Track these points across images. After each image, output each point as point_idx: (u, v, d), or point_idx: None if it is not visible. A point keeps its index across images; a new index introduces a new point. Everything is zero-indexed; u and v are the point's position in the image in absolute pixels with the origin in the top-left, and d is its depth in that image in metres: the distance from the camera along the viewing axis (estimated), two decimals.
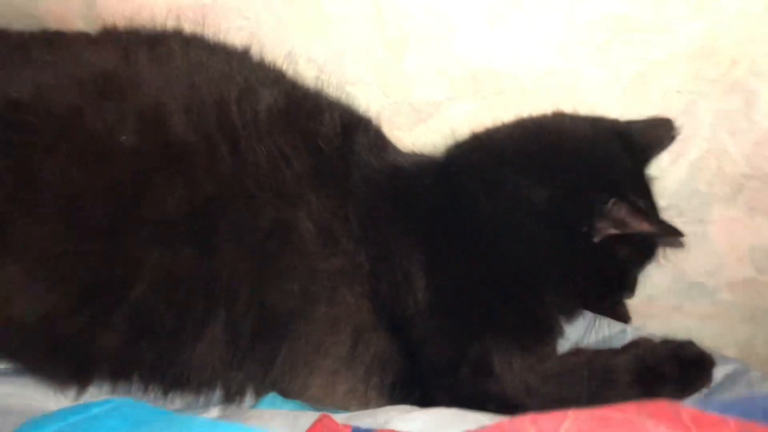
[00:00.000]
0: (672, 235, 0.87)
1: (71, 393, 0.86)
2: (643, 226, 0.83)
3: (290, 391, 0.87)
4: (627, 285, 0.95)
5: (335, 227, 0.85)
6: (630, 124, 0.95)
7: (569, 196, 0.87)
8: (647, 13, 0.92)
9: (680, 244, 0.96)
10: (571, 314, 0.97)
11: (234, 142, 0.84)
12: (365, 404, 0.87)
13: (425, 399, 0.85)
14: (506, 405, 0.83)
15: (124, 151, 0.81)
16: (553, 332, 0.92)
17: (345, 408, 0.87)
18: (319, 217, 0.85)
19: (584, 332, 1.03)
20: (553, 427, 0.53)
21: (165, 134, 0.82)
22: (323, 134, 0.89)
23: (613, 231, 0.85)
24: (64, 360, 0.83)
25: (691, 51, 0.93)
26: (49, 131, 0.80)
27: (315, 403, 0.88)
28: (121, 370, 0.85)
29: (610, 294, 0.96)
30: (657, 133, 0.96)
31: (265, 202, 0.83)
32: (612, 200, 0.83)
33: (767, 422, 0.56)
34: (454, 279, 0.88)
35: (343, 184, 0.88)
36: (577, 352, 0.93)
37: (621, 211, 0.83)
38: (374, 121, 1.00)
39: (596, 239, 0.86)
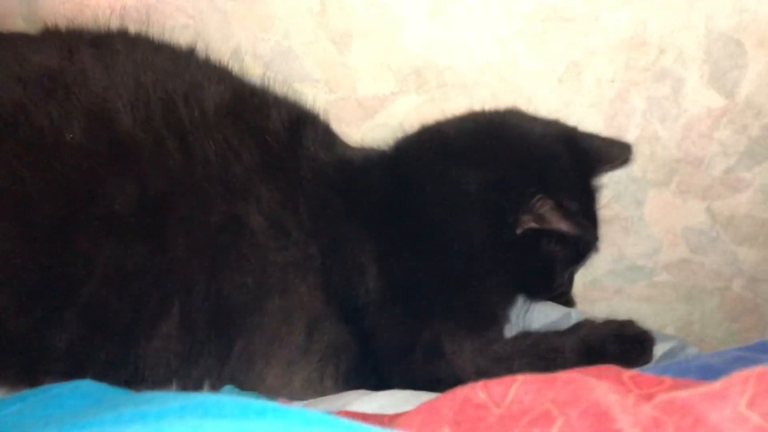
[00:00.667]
0: (588, 238, 0.92)
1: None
2: (561, 225, 0.87)
3: (246, 383, 0.87)
4: (553, 280, 0.97)
5: (286, 220, 0.86)
6: (588, 136, 0.99)
7: (501, 187, 0.90)
8: (579, 4, 0.96)
9: (595, 248, 0.99)
10: (510, 301, 0.99)
11: (182, 138, 0.84)
12: (321, 393, 0.88)
13: (381, 385, 0.86)
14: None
15: (72, 148, 0.80)
16: (498, 317, 0.94)
17: (302, 398, 0.88)
18: (270, 210, 0.86)
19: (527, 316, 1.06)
20: (503, 391, 0.55)
21: (112, 131, 0.82)
22: (270, 129, 0.90)
23: (533, 225, 0.89)
24: (13, 359, 0.81)
25: (621, 41, 0.98)
26: None
27: (271, 394, 0.88)
28: (73, 368, 0.82)
29: (539, 287, 0.99)
30: (611, 151, 0.99)
31: (215, 196, 0.84)
32: (538, 196, 0.87)
33: (700, 378, 0.59)
34: (403, 268, 0.89)
35: (293, 177, 0.89)
36: (524, 335, 0.96)
37: (544, 208, 0.87)
38: (322, 117, 1.01)
39: (518, 231, 0.89)
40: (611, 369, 0.59)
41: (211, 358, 0.85)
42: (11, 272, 0.78)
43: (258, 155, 0.87)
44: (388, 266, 0.89)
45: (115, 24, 0.98)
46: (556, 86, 1.03)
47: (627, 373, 0.59)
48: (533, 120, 0.99)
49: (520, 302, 1.04)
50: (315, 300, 0.87)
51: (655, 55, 0.98)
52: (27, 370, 0.83)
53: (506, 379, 0.56)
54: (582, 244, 0.95)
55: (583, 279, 1.21)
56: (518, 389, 0.55)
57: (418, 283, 0.90)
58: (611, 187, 1.11)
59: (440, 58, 1.04)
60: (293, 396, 0.88)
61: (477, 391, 0.56)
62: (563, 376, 0.54)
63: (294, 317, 0.86)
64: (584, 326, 0.95)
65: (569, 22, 0.98)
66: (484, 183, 0.90)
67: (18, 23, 1.09)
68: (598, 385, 0.52)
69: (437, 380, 0.86)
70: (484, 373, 0.88)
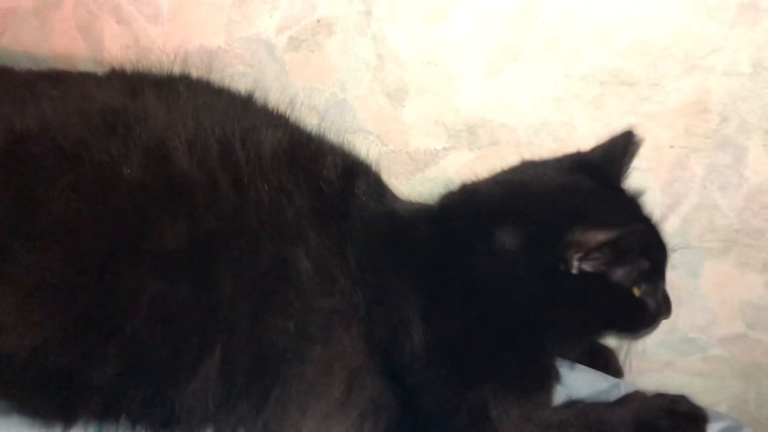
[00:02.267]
0: (634, 236, 0.86)
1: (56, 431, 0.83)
2: (599, 237, 0.83)
3: None
4: (645, 306, 0.92)
5: (333, 266, 0.85)
6: (592, 151, 0.96)
7: (540, 237, 0.87)
8: (640, 69, 0.95)
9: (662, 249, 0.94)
10: (576, 351, 0.97)
11: (237, 179, 0.84)
12: None
13: None
14: None
15: (128, 184, 0.81)
16: (550, 377, 0.91)
17: None
18: (318, 255, 0.84)
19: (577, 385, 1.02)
20: None
21: (168, 169, 0.82)
22: (325, 176, 0.89)
23: (581, 255, 0.85)
24: (52, 394, 0.80)
25: (682, 106, 0.96)
26: (53, 162, 0.80)
27: None
28: (110, 407, 0.82)
29: (635, 321, 0.94)
30: (617, 147, 0.96)
31: (265, 239, 0.83)
32: (574, 228, 0.84)
33: None
34: (450, 326, 0.87)
35: (342, 225, 0.88)
36: (573, 403, 0.92)
37: (583, 234, 0.84)
38: (374, 168, 1.01)
39: (574, 272, 0.86)
40: None
41: (249, 405, 0.83)
42: (59, 305, 0.78)
43: (310, 201, 0.86)
44: (434, 323, 0.86)
45: (176, 69, 1.00)
46: None
47: None
48: (544, 163, 0.97)
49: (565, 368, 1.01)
50: (357, 352, 0.84)
51: (716, 123, 0.96)
52: (63, 405, 0.82)
53: None
54: (645, 250, 0.89)
55: (631, 349, 1.17)
56: None
57: (465, 343, 0.87)
58: None
59: (494, 116, 1.03)
60: None
61: None
62: None
63: (334, 368, 0.83)
64: (635, 399, 0.92)
65: (629, 87, 0.97)
66: (523, 239, 0.87)
67: (84, 65, 1.12)
68: None
69: None
70: None
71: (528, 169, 0.97)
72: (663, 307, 0.93)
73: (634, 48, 0.95)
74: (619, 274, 0.88)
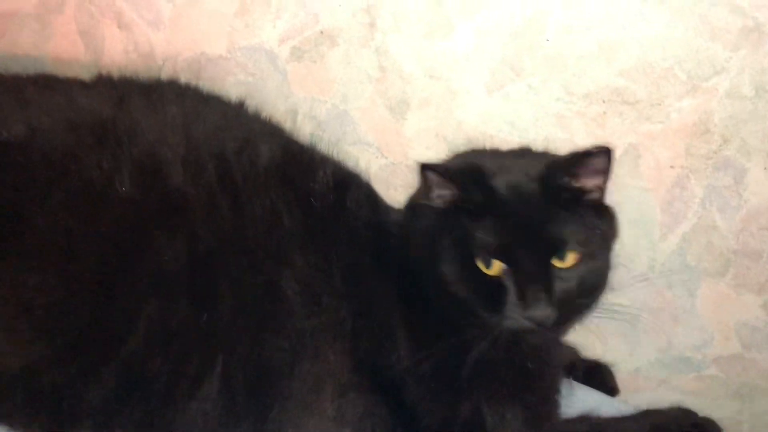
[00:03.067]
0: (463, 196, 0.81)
1: None
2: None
3: None
4: (486, 280, 0.81)
5: (318, 284, 0.84)
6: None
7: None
8: (642, 88, 0.95)
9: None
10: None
11: (234, 196, 0.83)
12: None
13: None
14: None
15: (121, 201, 0.79)
16: (541, 382, 0.88)
17: None
18: (304, 275, 0.83)
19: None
20: None
21: (163, 185, 0.80)
22: (316, 191, 0.88)
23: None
24: (44, 414, 0.79)
25: (683, 126, 0.97)
26: (42, 176, 0.78)
27: None
28: (103, 427, 0.79)
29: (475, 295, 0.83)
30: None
31: (262, 257, 0.82)
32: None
33: None
34: (431, 334, 0.84)
35: (331, 239, 0.87)
36: (585, 418, 0.92)
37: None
38: (365, 178, 0.99)
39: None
40: None
41: (248, 425, 0.82)
42: (52, 324, 0.76)
43: (300, 219, 0.85)
44: (417, 332, 0.84)
45: (175, 75, 0.98)
46: (614, 168, 1.01)
47: None
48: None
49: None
50: (344, 367, 0.83)
51: (717, 144, 0.96)
52: (55, 425, 0.80)
53: None
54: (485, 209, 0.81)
55: (627, 367, 1.17)
56: None
57: (447, 351, 0.83)
58: (663, 274, 1.07)
59: (495, 131, 1.03)
60: None
61: None
62: None
63: (323, 384, 0.83)
64: (652, 413, 0.93)
65: (630, 106, 0.97)
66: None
67: (83, 70, 1.12)
68: None
69: None
70: None
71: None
72: (522, 300, 0.78)
73: (637, 67, 0.95)
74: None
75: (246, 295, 0.80)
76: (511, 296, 0.78)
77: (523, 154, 0.91)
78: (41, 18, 1.17)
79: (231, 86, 1.09)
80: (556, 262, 0.78)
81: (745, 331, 1.09)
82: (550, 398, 0.91)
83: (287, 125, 1.01)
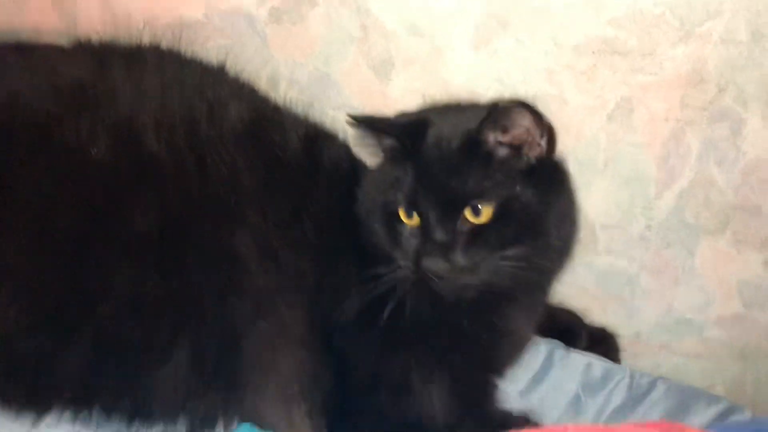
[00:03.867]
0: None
1: (27, 421, 0.81)
2: None
3: (254, 417, 0.83)
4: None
5: (276, 241, 0.83)
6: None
7: None
8: (633, 38, 0.92)
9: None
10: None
11: (201, 159, 0.82)
12: (292, 428, 0.83)
13: (347, 427, 0.83)
14: None
15: (96, 165, 0.78)
16: (474, 338, 0.85)
17: None
18: (259, 233, 0.82)
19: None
20: None
21: (137, 150, 0.80)
22: (282, 145, 0.87)
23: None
24: (20, 383, 0.78)
25: (677, 77, 0.93)
26: (24, 140, 0.78)
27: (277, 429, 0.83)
28: (81, 396, 0.80)
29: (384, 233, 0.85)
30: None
31: (220, 221, 0.81)
32: None
33: None
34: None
35: (302, 195, 0.86)
36: (524, 420, 0.87)
37: None
38: (344, 139, 0.97)
39: None
40: (675, 425, 0.53)
41: (217, 392, 0.81)
42: (26, 289, 0.76)
43: (262, 175, 0.85)
44: (364, 285, 0.83)
45: (148, 40, 0.96)
46: (605, 123, 0.98)
47: (690, 430, 0.53)
48: None
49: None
50: (298, 323, 0.83)
51: (713, 94, 0.93)
52: (34, 395, 0.80)
53: (554, 428, 0.50)
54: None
55: (626, 332, 1.14)
56: None
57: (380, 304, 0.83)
58: (660, 233, 1.04)
59: (483, 89, 1.00)
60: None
61: None
62: (624, 428, 0.48)
63: (276, 342, 0.82)
64: None
65: (622, 56, 0.93)
66: None
67: (59, 40, 1.08)
68: None
69: (403, 422, 0.82)
70: (458, 427, 0.83)
71: None
72: (423, 251, 0.79)
73: (627, 15, 0.91)
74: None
75: (209, 259, 0.80)
76: (417, 245, 0.79)
77: (483, 106, 0.88)
78: None
79: (210, 51, 1.05)
80: (470, 217, 0.77)
81: (747, 290, 1.06)
82: (487, 367, 0.88)
83: (267, 90, 0.99)
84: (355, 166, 0.92)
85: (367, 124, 0.84)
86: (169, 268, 0.78)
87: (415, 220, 0.80)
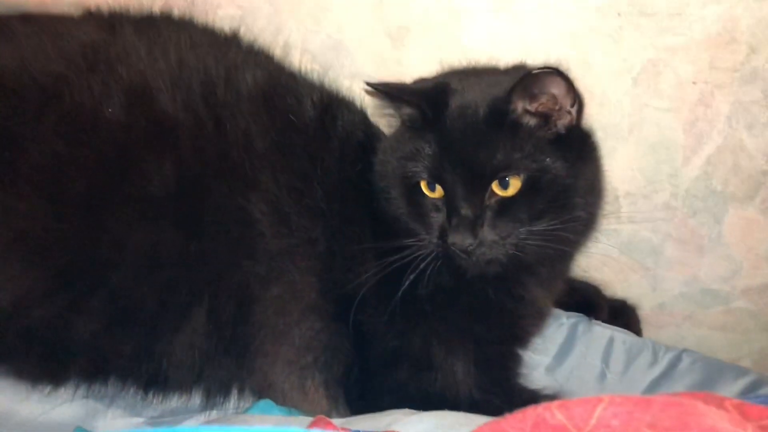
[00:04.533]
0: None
1: (43, 393, 0.80)
2: None
3: (266, 387, 0.82)
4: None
5: (288, 205, 0.81)
6: None
7: None
8: None
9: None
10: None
11: (217, 121, 0.80)
12: (307, 400, 0.82)
13: (362, 398, 0.81)
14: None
15: (110, 126, 0.77)
16: (500, 310, 0.83)
17: (291, 405, 0.81)
18: (272, 196, 0.80)
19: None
20: (585, 412, 0.47)
21: (152, 110, 0.78)
22: (296, 110, 0.85)
23: None
24: (37, 351, 0.77)
25: (706, 38, 0.89)
26: (33, 100, 0.76)
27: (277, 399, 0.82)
28: (96, 364, 0.79)
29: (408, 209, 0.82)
30: None
31: (235, 183, 0.80)
32: None
33: None
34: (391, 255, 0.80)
35: (315, 159, 0.83)
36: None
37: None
38: (359, 105, 0.95)
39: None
40: (715, 396, 0.50)
41: (232, 359, 0.80)
42: (41, 253, 0.75)
43: (275, 139, 0.83)
44: (382, 252, 0.81)
45: (159, 9, 0.94)
46: (630, 87, 0.95)
47: (731, 402, 0.50)
48: None
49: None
50: (309, 288, 0.81)
51: (744, 54, 0.89)
52: (49, 362, 0.79)
53: (588, 399, 0.47)
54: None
55: (650, 303, 1.12)
56: (605, 411, 0.46)
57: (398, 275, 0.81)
58: (686, 201, 1.01)
59: (503, 55, 0.96)
60: (289, 402, 0.82)
61: (553, 411, 0.48)
62: (661, 398, 0.45)
63: (287, 307, 0.81)
64: None
65: (648, 18, 0.90)
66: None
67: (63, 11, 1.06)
68: (709, 411, 0.43)
69: (426, 397, 0.80)
70: (482, 402, 0.81)
71: None
72: (448, 226, 0.77)
73: None
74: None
75: (225, 222, 0.78)
76: (443, 220, 0.77)
77: (506, 72, 0.86)
78: None
79: (221, 20, 1.02)
80: (498, 190, 0.75)
81: None
82: (511, 338, 0.87)
83: (281, 57, 0.96)
84: (371, 133, 0.90)
85: (385, 92, 0.81)
86: (185, 229, 0.77)
87: (438, 192, 0.78)
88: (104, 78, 0.78)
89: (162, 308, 0.76)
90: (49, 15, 0.91)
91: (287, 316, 0.80)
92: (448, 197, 0.76)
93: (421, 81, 0.86)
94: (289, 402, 0.82)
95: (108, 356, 0.78)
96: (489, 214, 0.75)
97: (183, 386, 0.81)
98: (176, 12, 0.95)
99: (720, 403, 0.49)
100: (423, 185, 0.78)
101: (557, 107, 0.77)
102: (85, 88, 0.77)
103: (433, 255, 0.78)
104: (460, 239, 0.74)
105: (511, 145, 0.75)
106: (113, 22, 0.86)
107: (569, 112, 0.77)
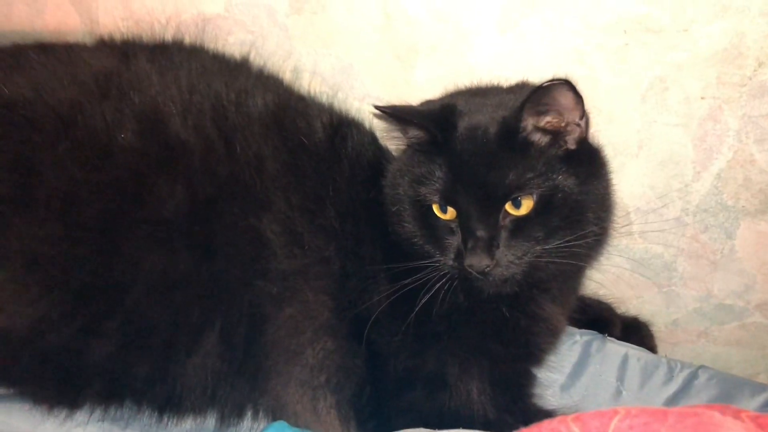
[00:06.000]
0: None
1: (59, 417, 0.80)
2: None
3: (279, 408, 0.82)
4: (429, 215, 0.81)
5: (301, 225, 0.81)
6: None
7: None
8: (667, 14, 0.89)
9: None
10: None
11: (229, 144, 0.81)
12: (319, 421, 0.81)
13: (374, 417, 0.81)
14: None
15: (124, 151, 0.78)
16: (515, 327, 0.83)
17: (304, 426, 0.81)
18: (284, 217, 0.81)
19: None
20: (601, 425, 0.46)
21: (164, 135, 0.80)
22: (306, 132, 0.86)
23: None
24: (53, 375, 0.78)
25: (713, 53, 0.90)
26: (48, 127, 0.77)
27: (302, 424, 0.82)
28: (111, 387, 0.79)
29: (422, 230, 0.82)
30: None
31: (247, 204, 0.80)
32: None
33: None
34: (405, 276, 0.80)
35: (326, 180, 0.84)
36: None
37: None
38: (368, 126, 0.95)
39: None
40: (729, 407, 0.50)
41: (246, 381, 0.80)
42: (57, 277, 0.75)
43: (286, 161, 0.84)
44: (394, 273, 0.81)
45: (171, 36, 0.96)
46: (638, 104, 0.95)
47: (746, 413, 0.50)
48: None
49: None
50: (322, 307, 0.81)
51: (752, 69, 0.90)
52: (65, 386, 0.79)
53: (604, 412, 0.47)
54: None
55: (664, 319, 1.11)
56: (620, 423, 0.46)
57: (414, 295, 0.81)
58: (698, 216, 1.01)
59: (511, 73, 0.97)
60: (301, 423, 0.82)
61: (569, 425, 0.48)
62: (677, 410, 0.45)
63: (300, 327, 0.81)
64: None
65: (654, 34, 0.90)
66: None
67: (77, 39, 1.08)
68: (725, 421, 0.43)
69: (440, 417, 0.79)
70: (497, 422, 0.80)
71: None
72: (464, 248, 0.77)
73: None
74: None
75: (237, 243, 0.79)
76: (457, 242, 0.77)
77: (511, 90, 0.87)
78: None
79: (231, 46, 1.04)
80: (511, 210, 0.75)
81: None
82: (526, 357, 0.86)
83: (291, 80, 0.98)
84: (380, 154, 0.90)
85: (394, 115, 0.82)
86: (198, 251, 0.77)
87: (451, 214, 0.78)
88: (117, 105, 0.79)
89: (175, 330, 0.77)
90: (64, 44, 0.93)
91: (300, 336, 0.80)
92: (462, 219, 0.76)
93: (428, 103, 0.87)
94: (302, 423, 0.81)
95: (123, 379, 0.78)
96: (504, 234, 0.75)
97: (197, 408, 0.81)
98: (188, 39, 0.97)
99: (736, 414, 0.49)
100: (435, 208, 0.78)
101: (566, 121, 0.77)
102: (99, 114, 0.78)
103: (447, 276, 0.78)
104: (477, 261, 0.74)
105: (523, 164, 0.75)
106: (126, 50, 0.88)
107: (578, 125, 0.78)
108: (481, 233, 0.75)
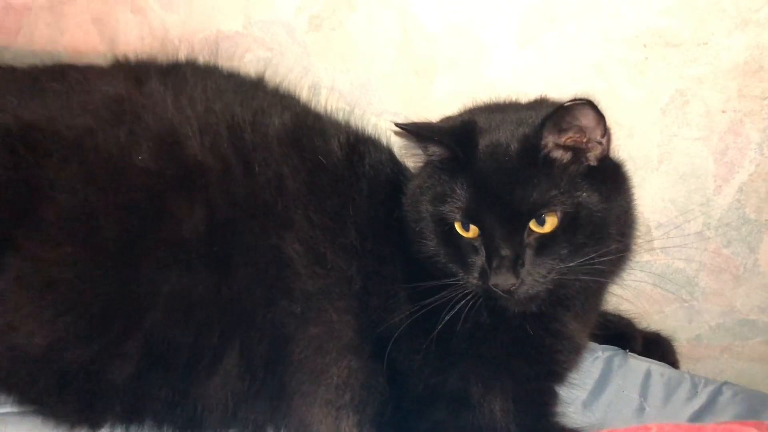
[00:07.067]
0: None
1: None
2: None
3: (302, 427, 0.81)
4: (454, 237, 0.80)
5: (323, 244, 0.81)
6: None
7: None
8: (686, 28, 0.89)
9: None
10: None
11: (247, 164, 0.82)
12: None
13: None
14: None
15: (140, 172, 0.79)
16: (538, 345, 0.82)
17: None
18: (306, 236, 0.81)
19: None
20: None
21: (181, 156, 0.80)
22: (325, 151, 0.86)
23: None
24: (72, 396, 0.78)
25: (734, 66, 0.89)
26: (61, 151, 0.79)
27: None
28: (132, 407, 0.79)
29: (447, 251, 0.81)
30: None
31: (267, 224, 0.81)
32: None
33: None
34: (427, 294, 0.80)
35: (346, 199, 0.84)
36: None
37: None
38: (385, 143, 0.95)
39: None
40: (763, 423, 0.49)
41: (266, 401, 0.80)
42: (73, 300, 0.76)
43: (306, 180, 0.84)
44: (416, 291, 0.81)
45: (189, 56, 0.98)
46: (659, 118, 0.95)
47: None
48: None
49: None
50: (346, 327, 0.81)
51: None
52: (86, 407, 0.79)
53: (636, 428, 0.47)
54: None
55: (686, 335, 1.10)
56: None
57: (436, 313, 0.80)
58: (720, 230, 1.00)
59: (530, 88, 0.97)
60: None
61: None
62: (711, 426, 0.44)
63: (325, 347, 0.80)
64: None
65: (675, 48, 0.90)
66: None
67: (98, 60, 1.09)
68: None
69: None
70: None
71: None
72: (489, 267, 0.76)
73: (680, 4, 0.88)
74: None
75: (258, 262, 0.79)
76: (482, 261, 0.76)
77: (530, 107, 0.86)
78: (54, 9, 1.15)
79: (250, 63, 1.05)
80: (535, 227, 0.74)
81: None
82: (550, 374, 0.85)
83: (309, 98, 0.98)
84: (398, 170, 0.90)
85: (414, 132, 0.81)
86: (217, 271, 0.77)
87: (473, 232, 0.77)
88: (131, 128, 0.80)
89: (195, 350, 0.77)
90: (78, 67, 0.95)
91: (326, 356, 0.79)
92: (485, 237, 0.76)
93: (448, 120, 0.87)
94: None
95: (143, 399, 0.78)
96: (529, 252, 0.75)
97: (218, 429, 0.81)
98: (202, 58, 0.98)
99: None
100: (458, 226, 0.78)
101: (587, 139, 0.77)
102: (112, 138, 0.79)
103: (471, 294, 0.77)
104: (503, 280, 0.74)
105: (546, 182, 0.74)
106: (139, 73, 0.89)
107: (600, 143, 0.77)
108: (506, 252, 0.74)
